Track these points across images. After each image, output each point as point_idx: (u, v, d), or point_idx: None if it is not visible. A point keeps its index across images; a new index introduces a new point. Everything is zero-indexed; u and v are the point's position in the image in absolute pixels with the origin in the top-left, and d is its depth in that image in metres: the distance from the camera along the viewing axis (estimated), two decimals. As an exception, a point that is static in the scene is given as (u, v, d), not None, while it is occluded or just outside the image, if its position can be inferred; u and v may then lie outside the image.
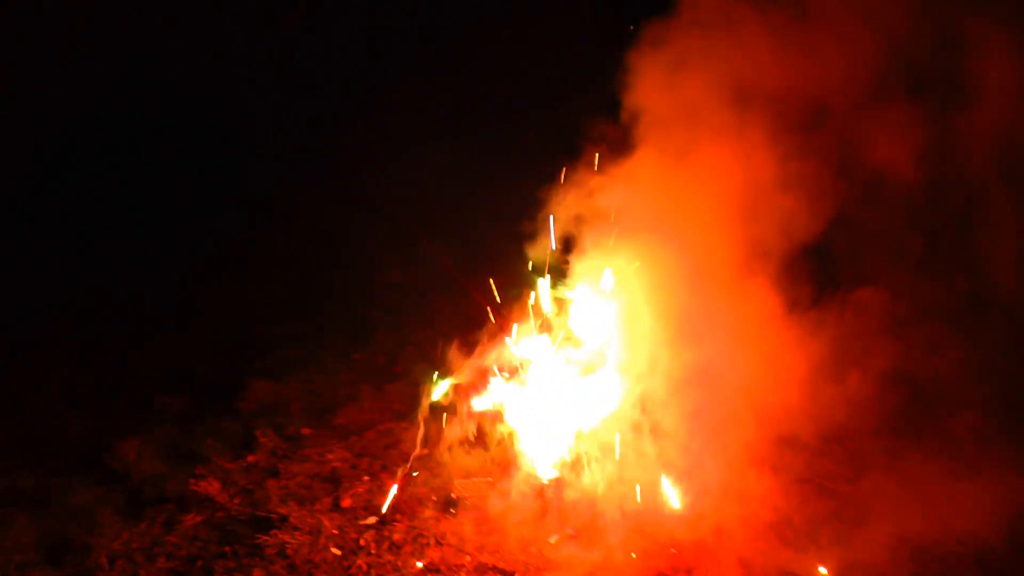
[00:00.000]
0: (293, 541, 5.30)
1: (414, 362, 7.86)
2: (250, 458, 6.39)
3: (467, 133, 12.52)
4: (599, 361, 5.81)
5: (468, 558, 5.14)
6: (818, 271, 6.87)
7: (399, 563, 5.10)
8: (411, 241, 10.79)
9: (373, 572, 5.03)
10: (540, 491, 5.46)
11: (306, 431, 6.82)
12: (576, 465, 5.66)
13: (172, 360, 8.34)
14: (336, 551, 5.23)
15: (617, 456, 5.62)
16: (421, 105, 12.82)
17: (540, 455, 5.56)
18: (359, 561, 5.12)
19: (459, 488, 5.60)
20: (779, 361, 5.86)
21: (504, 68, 12.66)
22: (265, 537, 5.34)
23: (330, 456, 6.36)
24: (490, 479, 5.74)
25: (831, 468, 6.10)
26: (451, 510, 5.56)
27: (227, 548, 5.30)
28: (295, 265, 10.42)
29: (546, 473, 5.45)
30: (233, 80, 13.35)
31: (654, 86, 5.89)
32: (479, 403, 6.00)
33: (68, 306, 9.65)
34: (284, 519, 5.52)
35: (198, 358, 8.32)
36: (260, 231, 11.33)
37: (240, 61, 13.10)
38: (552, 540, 5.28)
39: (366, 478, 6.03)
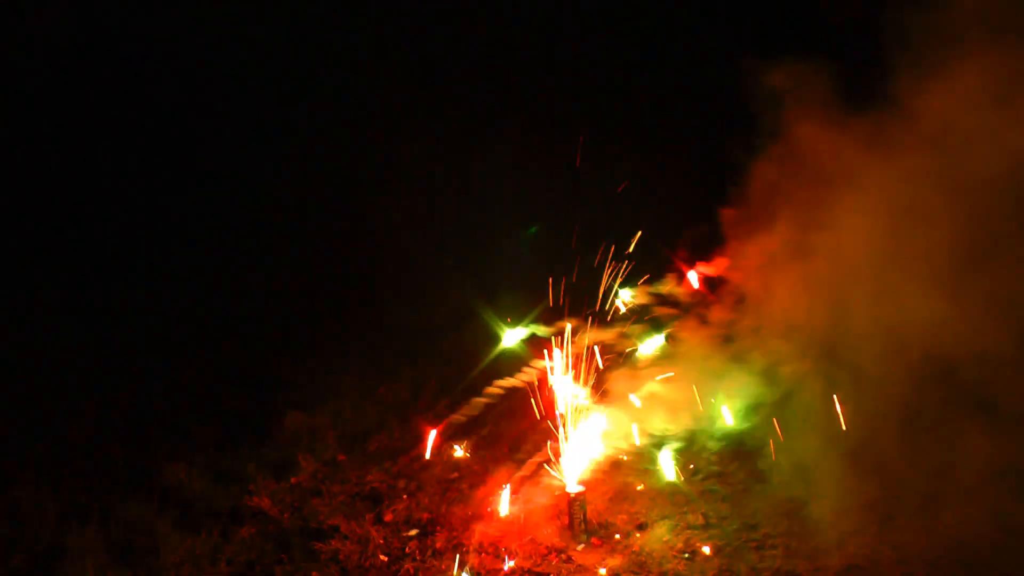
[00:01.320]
0: (344, 548, 6.07)
1: (437, 397, 8.76)
2: (293, 479, 7.19)
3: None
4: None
5: (504, 563, 5.94)
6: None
7: (443, 567, 5.87)
8: (420, 283, 11.68)
9: (420, 574, 5.82)
10: (568, 504, 6.26)
11: (342, 457, 7.63)
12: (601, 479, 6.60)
13: (200, 393, 9.16)
14: (384, 557, 6.01)
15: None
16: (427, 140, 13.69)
17: (568, 471, 6.41)
18: (406, 566, 5.89)
19: (493, 502, 6.41)
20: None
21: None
22: (320, 545, 6.11)
23: (369, 478, 7.17)
24: (521, 492, 6.57)
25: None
26: (488, 522, 6.37)
27: (283, 555, 6.07)
28: (311, 306, 11.29)
29: (573, 488, 6.28)
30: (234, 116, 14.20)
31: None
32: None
33: (90, 338, 10.49)
34: (335, 529, 6.30)
35: (226, 392, 9.14)
36: (272, 271, 12.20)
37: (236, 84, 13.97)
38: (579, 548, 6.09)
39: (405, 496, 6.84)
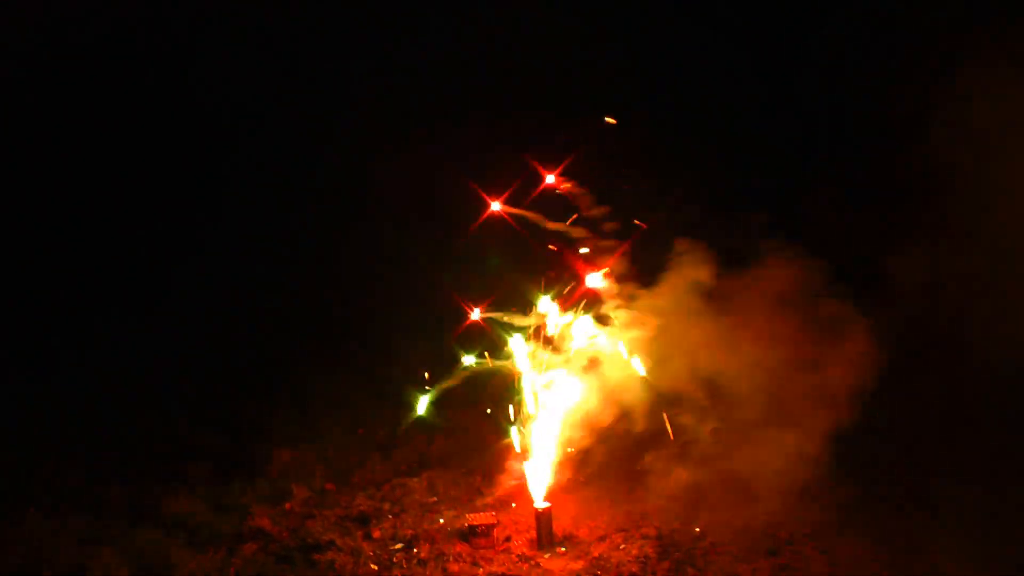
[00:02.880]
0: (339, 559, 7.26)
1: (411, 436, 10.02)
2: (287, 505, 8.37)
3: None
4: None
5: (481, 569, 7.14)
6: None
7: (427, 572, 7.09)
8: (390, 339, 12.92)
9: (407, 580, 7.07)
10: (536, 519, 7.54)
11: (330, 486, 8.83)
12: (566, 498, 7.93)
13: (188, 439, 10.30)
14: (374, 567, 7.22)
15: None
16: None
17: (536, 491, 7.70)
18: (395, 572, 7.12)
19: (471, 519, 7.66)
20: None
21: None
22: (317, 556, 7.32)
23: (356, 503, 8.37)
24: (495, 511, 7.85)
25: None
26: (465, 536, 7.62)
27: (285, 566, 7.28)
28: (286, 360, 12.52)
29: (540, 505, 7.57)
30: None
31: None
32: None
33: (78, 388, 11.61)
34: (330, 544, 7.48)
35: (214, 435, 10.29)
36: (250, 329, 13.44)
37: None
38: (546, 556, 7.36)
39: (390, 517, 8.06)
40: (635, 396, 8.28)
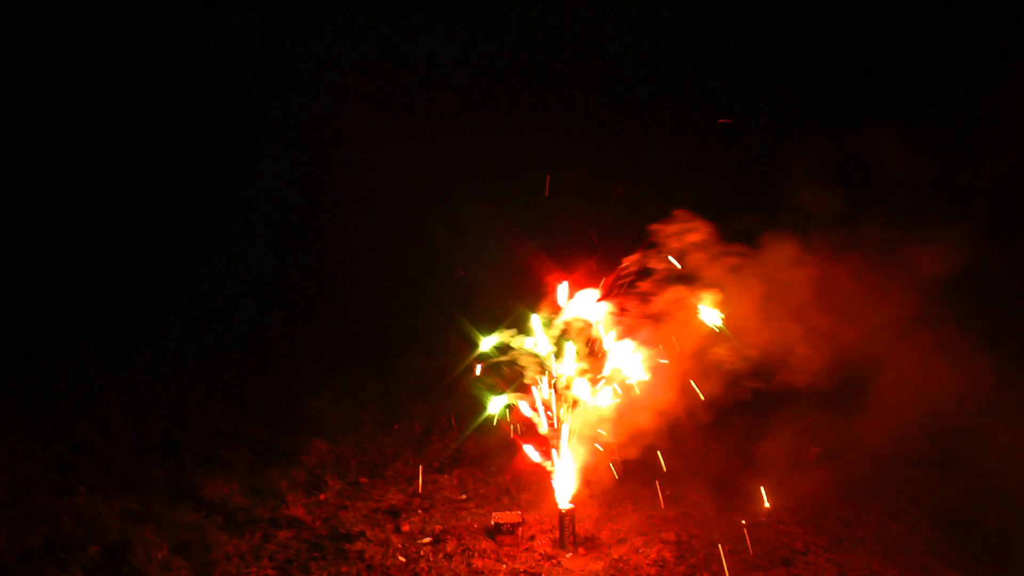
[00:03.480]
0: (369, 550, 7.68)
1: (447, 431, 10.46)
2: (321, 496, 8.81)
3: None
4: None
5: (504, 566, 7.53)
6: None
7: (452, 566, 7.47)
8: (428, 333, 13.37)
9: (434, 572, 7.44)
10: (560, 519, 7.89)
11: (364, 479, 9.26)
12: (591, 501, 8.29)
13: (228, 425, 10.78)
14: (402, 559, 7.63)
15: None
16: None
17: (560, 492, 8.05)
18: (421, 565, 7.50)
19: (496, 517, 8.04)
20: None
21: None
22: (347, 546, 7.74)
23: (388, 496, 8.81)
24: (521, 510, 8.23)
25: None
26: (491, 534, 8.00)
27: (316, 554, 7.70)
28: (328, 351, 13.02)
29: (564, 506, 7.92)
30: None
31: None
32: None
33: (122, 376, 12.19)
34: (360, 534, 7.92)
35: (253, 423, 10.77)
36: (291, 318, 13.99)
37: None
38: (568, 556, 7.71)
39: (420, 511, 8.47)
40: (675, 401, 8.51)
